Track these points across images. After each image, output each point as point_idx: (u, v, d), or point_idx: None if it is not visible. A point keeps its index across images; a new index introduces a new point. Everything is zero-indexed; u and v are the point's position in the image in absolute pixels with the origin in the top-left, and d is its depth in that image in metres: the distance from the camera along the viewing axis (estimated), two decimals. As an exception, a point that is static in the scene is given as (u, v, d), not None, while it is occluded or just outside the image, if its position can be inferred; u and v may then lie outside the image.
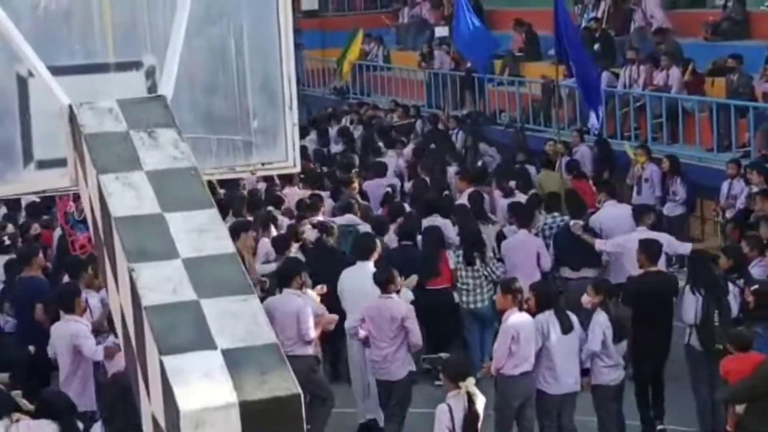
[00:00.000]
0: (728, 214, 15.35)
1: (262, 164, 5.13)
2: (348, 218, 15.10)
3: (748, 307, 11.06)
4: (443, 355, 10.89)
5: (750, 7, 20.60)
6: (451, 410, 8.91)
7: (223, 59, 5.01)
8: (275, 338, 3.57)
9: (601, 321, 10.79)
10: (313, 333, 11.25)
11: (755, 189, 14.77)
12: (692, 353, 11.43)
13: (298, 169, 5.30)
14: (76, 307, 10.75)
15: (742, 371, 9.34)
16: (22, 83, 4.56)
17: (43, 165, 4.61)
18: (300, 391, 3.39)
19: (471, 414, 8.84)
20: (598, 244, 13.55)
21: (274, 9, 5.06)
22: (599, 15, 22.50)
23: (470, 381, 8.92)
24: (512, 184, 16.76)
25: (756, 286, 11.11)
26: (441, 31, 27.26)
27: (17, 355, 11.55)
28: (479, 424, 8.98)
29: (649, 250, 11.88)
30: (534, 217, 14.37)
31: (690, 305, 11.25)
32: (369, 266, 11.98)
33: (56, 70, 4.47)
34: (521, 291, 10.74)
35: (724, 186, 15.78)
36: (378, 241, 12.79)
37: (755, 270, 11.96)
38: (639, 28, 21.68)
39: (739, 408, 9.37)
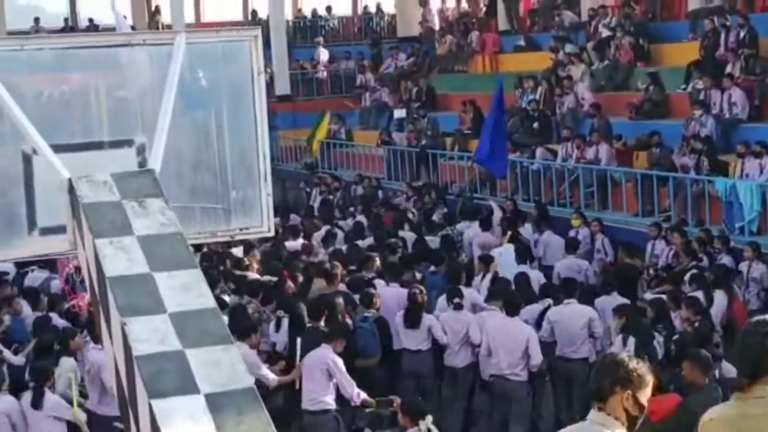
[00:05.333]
0: (651, 271, 15.43)
1: (240, 230, 5.16)
2: None
3: (670, 353, 11.12)
4: (393, 397, 10.27)
5: (668, 90, 20.91)
6: None
7: (206, 138, 5.05)
8: (252, 383, 3.57)
9: None
10: None
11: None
12: None
13: (272, 233, 5.34)
14: None
15: (663, 411, 9.34)
16: (27, 160, 4.58)
17: (45, 231, 4.61)
18: (275, 430, 3.39)
19: None
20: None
21: (250, 94, 5.12)
22: (537, 97, 22.72)
23: (429, 419, 8.67)
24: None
25: (676, 336, 11.25)
26: (399, 113, 27.45)
27: None
28: None
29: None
30: None
31: (617, 349, 11.25)
32: None
33: (57, 148, 4.50)
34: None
35: (648, 246, 15.90)
36: None
37: (677, 321, 12.01)
38: (571, 109, 21.89)
39: None
